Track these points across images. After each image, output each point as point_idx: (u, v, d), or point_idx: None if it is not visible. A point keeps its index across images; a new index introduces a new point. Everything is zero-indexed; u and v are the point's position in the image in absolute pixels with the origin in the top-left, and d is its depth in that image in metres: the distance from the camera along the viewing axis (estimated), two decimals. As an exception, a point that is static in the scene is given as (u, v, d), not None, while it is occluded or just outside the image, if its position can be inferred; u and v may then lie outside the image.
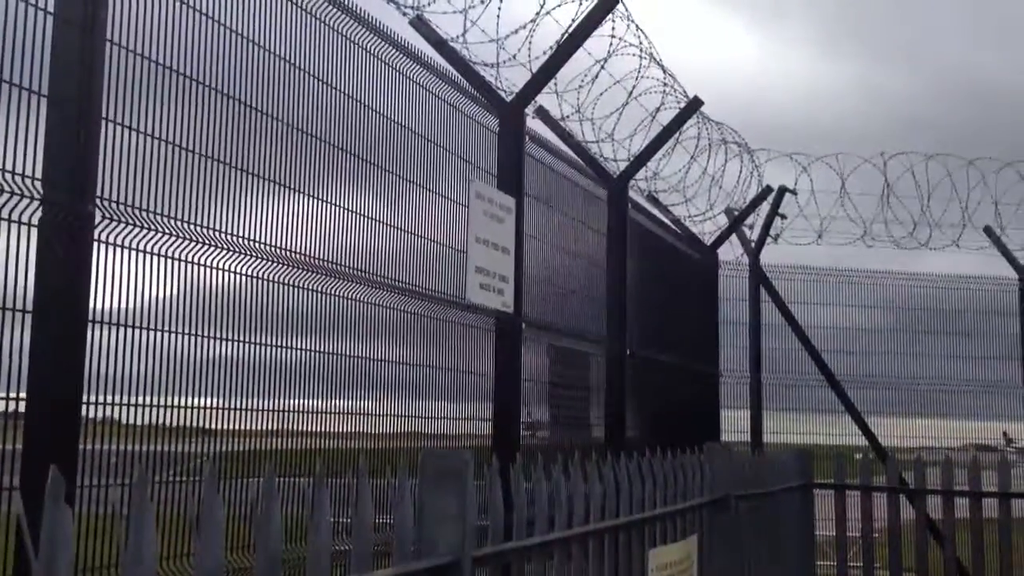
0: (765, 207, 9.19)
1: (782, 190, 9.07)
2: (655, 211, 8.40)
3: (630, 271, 7.07)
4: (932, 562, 7.36)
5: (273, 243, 3.78)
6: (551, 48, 5.24)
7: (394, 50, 4.53)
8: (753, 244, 9.46)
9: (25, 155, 2.74)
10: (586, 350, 6.24)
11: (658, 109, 6.35)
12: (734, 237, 9.36)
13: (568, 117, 6.63)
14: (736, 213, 8.94)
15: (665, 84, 6.24)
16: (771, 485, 6.67)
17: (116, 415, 3.01)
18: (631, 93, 5.90)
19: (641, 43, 5.76)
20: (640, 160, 6.71)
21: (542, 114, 6.75)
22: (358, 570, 2.03)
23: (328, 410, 4.45)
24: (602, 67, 5.58)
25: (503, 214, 4.95)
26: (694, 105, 6.67)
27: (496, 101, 5.28)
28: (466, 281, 4.57)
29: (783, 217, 9.28)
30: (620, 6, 5.34)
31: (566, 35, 5.23)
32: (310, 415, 4.32)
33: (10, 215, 2.69)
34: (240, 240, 3.60)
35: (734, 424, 9.33)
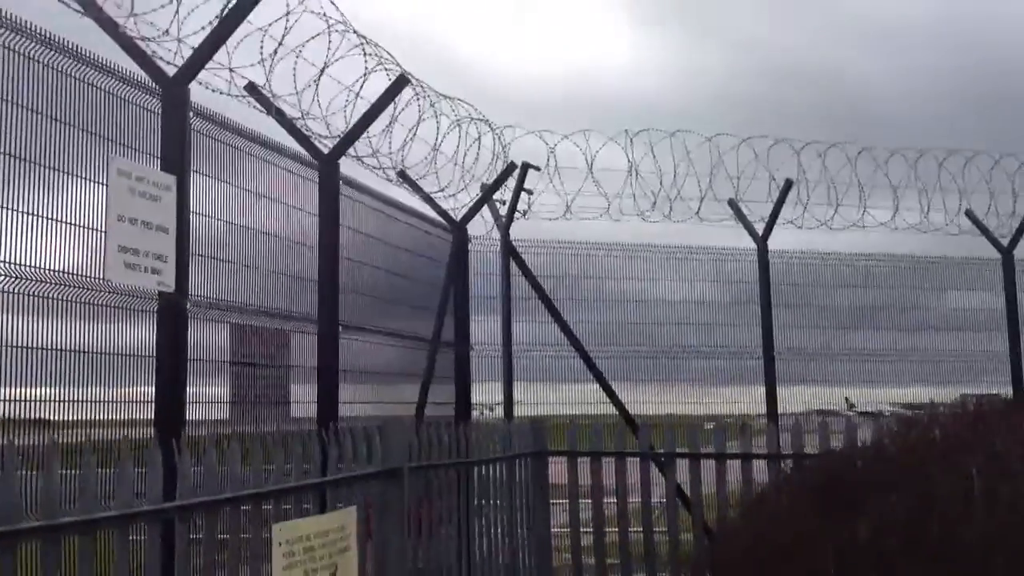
0: (513, 183, 9.34)
1: (525, 166, 9.24)
2: (405, 186, 8.40)
3: (353, 248, 7.06)
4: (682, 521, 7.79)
5: None
6: (217, 17, 5.13)
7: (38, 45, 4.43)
8: (504, 219, 9.61)
9: None
10: (287, 328, 6.20)
11: (362, 86, 6.34)
12: (487, 212, 9.48)
13: (279, 95, 6.53)
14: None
15: (366, 56, 6.22)
16: (484, 455, 6.84)
17: None
18: (323, 70, 5.87)
19: (326, 12, 5.70)
20: (349, 138, 6.68)
21: (253, 91, 6.61)
22: None
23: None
24: (280, 43, 5.51)
25: (159, 192, 4.83)
26: (401, 82, 6.68)
27: (159, 78, 5.13)
28: (105, 260, 4.45)
29: (529, 192, 9.46)
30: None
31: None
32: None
33: None
34: None
35: (491, 396, 9.50)
